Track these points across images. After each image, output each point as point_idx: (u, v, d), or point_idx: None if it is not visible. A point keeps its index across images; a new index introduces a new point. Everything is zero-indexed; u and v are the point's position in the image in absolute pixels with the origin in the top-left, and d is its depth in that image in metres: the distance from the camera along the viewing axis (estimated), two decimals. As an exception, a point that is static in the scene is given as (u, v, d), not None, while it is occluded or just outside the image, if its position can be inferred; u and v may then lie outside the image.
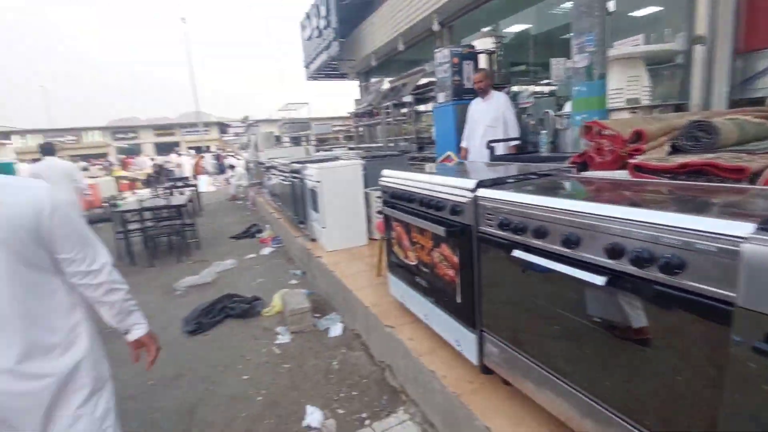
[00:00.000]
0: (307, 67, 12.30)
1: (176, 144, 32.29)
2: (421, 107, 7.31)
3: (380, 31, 8.56)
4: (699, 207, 1.04)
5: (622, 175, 1.59)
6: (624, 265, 1.01)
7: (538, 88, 7.50)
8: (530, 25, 7.54)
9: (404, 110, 7.25)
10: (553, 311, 1.28)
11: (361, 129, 9.98)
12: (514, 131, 4.24)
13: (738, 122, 1.70)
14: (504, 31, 7.38)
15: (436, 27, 6.80)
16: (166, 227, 5.78)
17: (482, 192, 1.55)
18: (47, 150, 5.00)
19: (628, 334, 1.06)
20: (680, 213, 0.91)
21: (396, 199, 2.22)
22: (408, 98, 6.89)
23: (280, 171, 5.59)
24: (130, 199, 6.53)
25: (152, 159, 20.30)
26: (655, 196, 1.25)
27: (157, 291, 4.37)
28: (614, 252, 1.02)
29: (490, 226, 1.49)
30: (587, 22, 2.93)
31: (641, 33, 4.05)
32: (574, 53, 3.04)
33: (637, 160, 1.55)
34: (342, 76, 12.45)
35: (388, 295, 2.65)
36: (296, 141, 12.02)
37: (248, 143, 11.20)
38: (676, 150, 1.62)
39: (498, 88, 5.29)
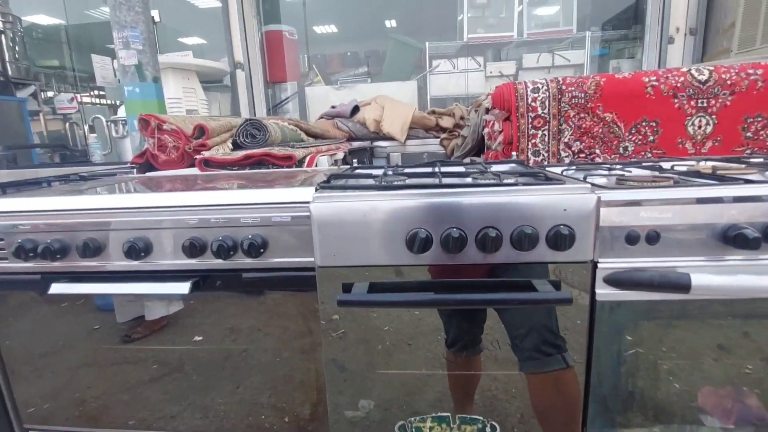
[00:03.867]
0: None
1: None
2: None
3: None
4: (267, 186, 1.04)
5: (191, 172, 1.45)
6: (210, 260, 0.84)
7: (88, 99, 6.27)
8: (65, 21, 6.14)
9: None
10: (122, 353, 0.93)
11: None
12: None
13: (280, 125, 2.01)
14: (26, 17, 5.59)
15: None
16: None
17: (-29, 206, 0.91)
18: None
19: (230, 340, 0.90)
20: (254, 190, 0.84)
21: None
22: None
23: None
24: None
25: None
26: (225, 184, 1.17)
27: None
28: (195, 248, 0.82)
29: (4, 260, 0.90)
30: (129, 16, 2.60)
31: (190, 51, 4.20)
32: (119, 48, 2.64)
33: (205, 155, 1.46)
34: None
35: None
36: None
37: None
38: (237, 146, 1.66)
39: (17, 84, 3.90)
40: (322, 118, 3.89)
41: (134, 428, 0.98)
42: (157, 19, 4.10)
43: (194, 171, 1.44)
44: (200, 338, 0.92)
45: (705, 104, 1.85)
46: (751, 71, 1.61)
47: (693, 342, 0.73)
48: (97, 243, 0.86)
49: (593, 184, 0.71)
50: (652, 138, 2.05)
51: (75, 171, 1.48)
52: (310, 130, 2.58)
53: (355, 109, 3.53)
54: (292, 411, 0.92)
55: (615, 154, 2.10)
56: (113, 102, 3.71)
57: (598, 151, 2.13)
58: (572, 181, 0.75)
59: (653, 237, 0.69)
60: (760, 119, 1.62)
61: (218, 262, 0.83)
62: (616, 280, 0.70)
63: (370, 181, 0.84)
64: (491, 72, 3.92)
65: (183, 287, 0.82)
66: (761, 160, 1.05)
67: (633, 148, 2.08)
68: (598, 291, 0.71)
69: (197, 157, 1.43)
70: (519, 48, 4.03)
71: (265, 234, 0.81)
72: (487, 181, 0.73)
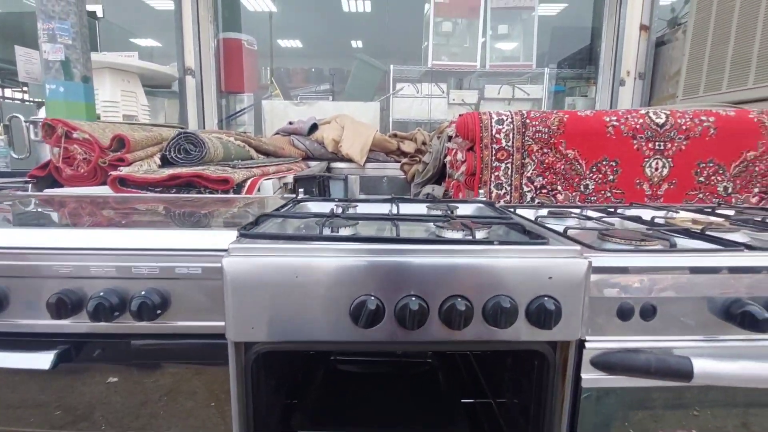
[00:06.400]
0: None
1: None
2: None
3: None
4: (182, 223, 0.84)
5: (102, 191, 1.21)
6: (84, 323, 0.62)
7: (18, 95, 5.63)
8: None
9: None
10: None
11: None
12: None
13: (223, 141, 1.79)
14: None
15: None
16: None
17: None
18: None
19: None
20: (152, 230, 0.65)
21: None
22: None
23: None
24: None
25: None
26: (134, 215, 0.95)
27: None
28: (64, 306, 0.60)
29: None
30: (58, 6, 2.30)
31: (136, 52, 3.87)
32: (43, 41, 2.31)
33: (122, 172, 1.22)
34: None
35: None
36: None
37: None
38: (167, 163, 1.43)
39: None
40: (278, 133, 3.67)
41: None
42: (99, 14, 3.75)
43: (106, 190, 1.19)
44: (116, 379, 0.70)
45: (662, 147, 1.85)
46: (704, 118, 1.63)
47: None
48: (-76, 293, 0.62)
49: (582, 244, 0.59)
50: (611, 177, 2.03)
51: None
52: (261, 147, 2.38)
53: (314, 127, 3.34)
54: None
55: (576, 191, 2.06)
56: (42, 101, 3.29)
57: (560, 187, 2.08)
58: (555, 237, 0.62)
59: (649, 311, 0.57)
60: (711, 164, 1.63)
61: (100, 326, 0.62)
62: (605, 364, 0.57)
63: (312, 223, 0.67)
64: (454, 99, 3.92)
65: (44, 360, 0.59)
66: (733, 213, 1.00)
67: (594, 187, 2.05)
68: (584, 376, 0.58)
69: (111, 173, 1.19)
70: (481, 78, 4.08)
71: (166, 289, 0.61)
72: (455, 236, 0.59)
